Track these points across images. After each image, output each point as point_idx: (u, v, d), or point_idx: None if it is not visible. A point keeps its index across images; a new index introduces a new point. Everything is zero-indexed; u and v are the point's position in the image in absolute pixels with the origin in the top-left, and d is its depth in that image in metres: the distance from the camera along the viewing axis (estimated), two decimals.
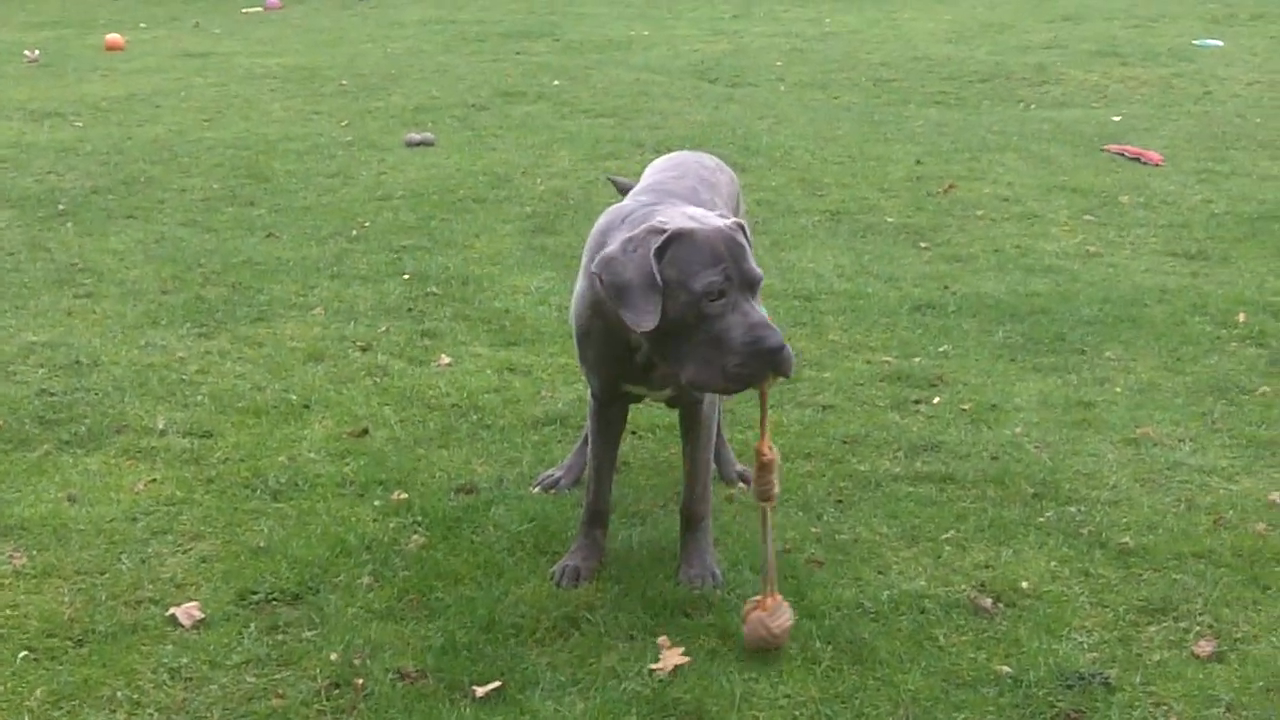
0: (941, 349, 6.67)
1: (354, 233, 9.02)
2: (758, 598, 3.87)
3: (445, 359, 6.36)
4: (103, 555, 4.39)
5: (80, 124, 12.67)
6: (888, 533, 4.66)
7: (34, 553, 4.39)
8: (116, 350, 6.39)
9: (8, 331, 6.67)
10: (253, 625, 4.00)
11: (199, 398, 5.79)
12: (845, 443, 5.44)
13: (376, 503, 4.78)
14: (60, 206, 9.67)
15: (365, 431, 5.42)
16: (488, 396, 5.87)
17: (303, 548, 4.41)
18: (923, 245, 8.87)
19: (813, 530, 4.64)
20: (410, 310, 7.18)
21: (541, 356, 6.45)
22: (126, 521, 4.62)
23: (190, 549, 4.45)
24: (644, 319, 3.59)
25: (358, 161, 11.36)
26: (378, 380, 6.06)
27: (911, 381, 6.18)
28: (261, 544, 4.44)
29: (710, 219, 3.77)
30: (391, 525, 4.61)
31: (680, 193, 4.29)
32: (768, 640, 3.80)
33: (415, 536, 4.51)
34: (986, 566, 4.44)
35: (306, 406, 5.70)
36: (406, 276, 7.84)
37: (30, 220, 9.27)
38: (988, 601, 4.17)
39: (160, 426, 5.42)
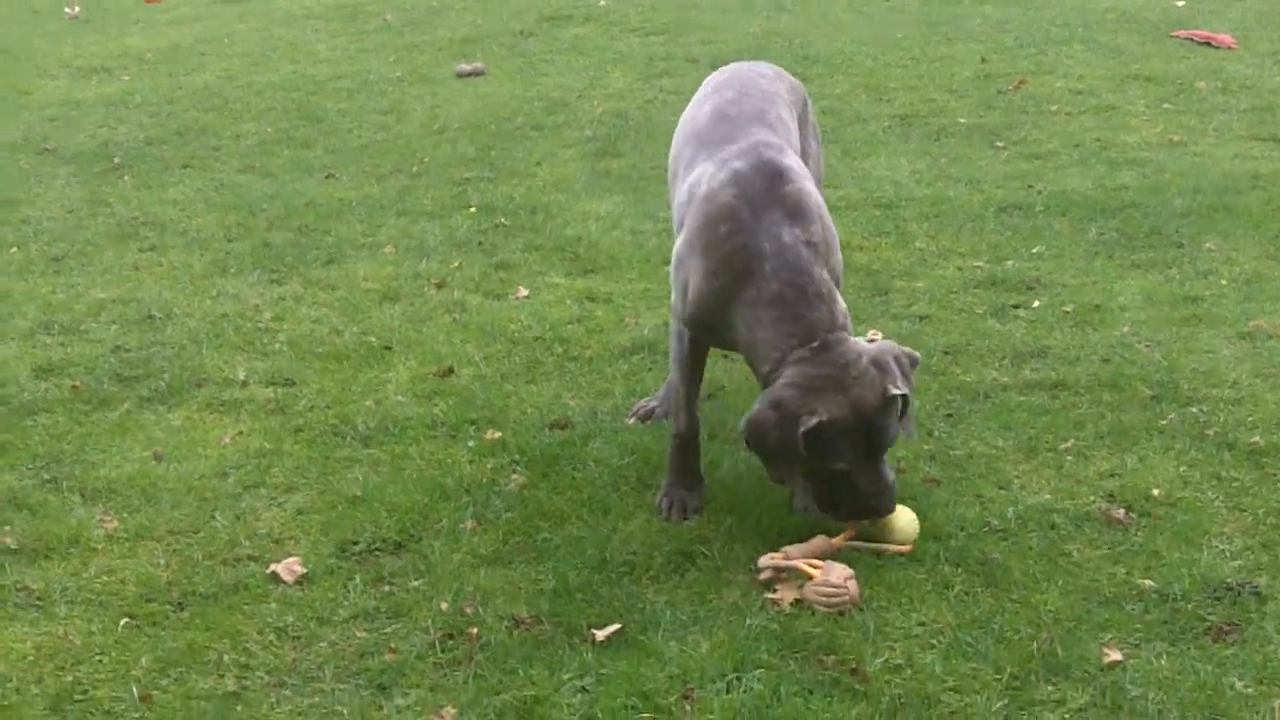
0: (1034, 250, 6.42)
1: (414, 169, 8.84)
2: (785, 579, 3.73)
3: (523, 291, 6.18)
4: (195, 513, 4.27)
5: (127, 77, 12.51)
6: (1004, 445, 4.46)
7: (125, 515, 4.26)
8: (189, 302, 6.25)
9: (76, 290, 6.54)
10: (357, 577, 3.86)
11: (277, 345, 5.64)
12: (947, 353, 5.23)
13: (470, 443, 4.62)
14: (116, 160, 9.53)
15: (450, 370, 5.26)
16: (570, 327, 5.69)
17: (400, 494, 4.27)
18: (999, 145, 8.59)
19: (925, 447, 4.45)
20: (481, 244, 7.00)
21: (620, 283, 6.26)
22: (216, 477, 4.49)
23: (285, 502, 4.32)
24: (785, 478, 3.80)
25: (410, 96, 11.16)
26: (456, 317, 5.89)
27: (1007, 286, 5.95)
28: (358, 493, 4.30)
29: (858, 383, 3.71)
30: (489, 466, 4.45)
31: (747, 116, 4.15)
32: (838, 597, 3.59)
33: (514, 476, 4.35)
34: (1112, 475, 4.23)
35: (388, 348, 5.54)
36: (473, 209, 7.65)
37: (87, 176, 9.14)
38: (1120, 512, 3.97)
39: (241, 377, 5.28)
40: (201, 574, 3.93)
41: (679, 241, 4.05)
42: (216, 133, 10.45)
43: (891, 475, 3.77)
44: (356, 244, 7.10)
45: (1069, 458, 4.35)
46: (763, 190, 3.85)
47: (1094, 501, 4.07)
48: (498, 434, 4.68)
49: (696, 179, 4.07)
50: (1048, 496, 4.11)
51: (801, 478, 3.75)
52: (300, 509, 4.26)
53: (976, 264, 6.28)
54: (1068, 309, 5.62)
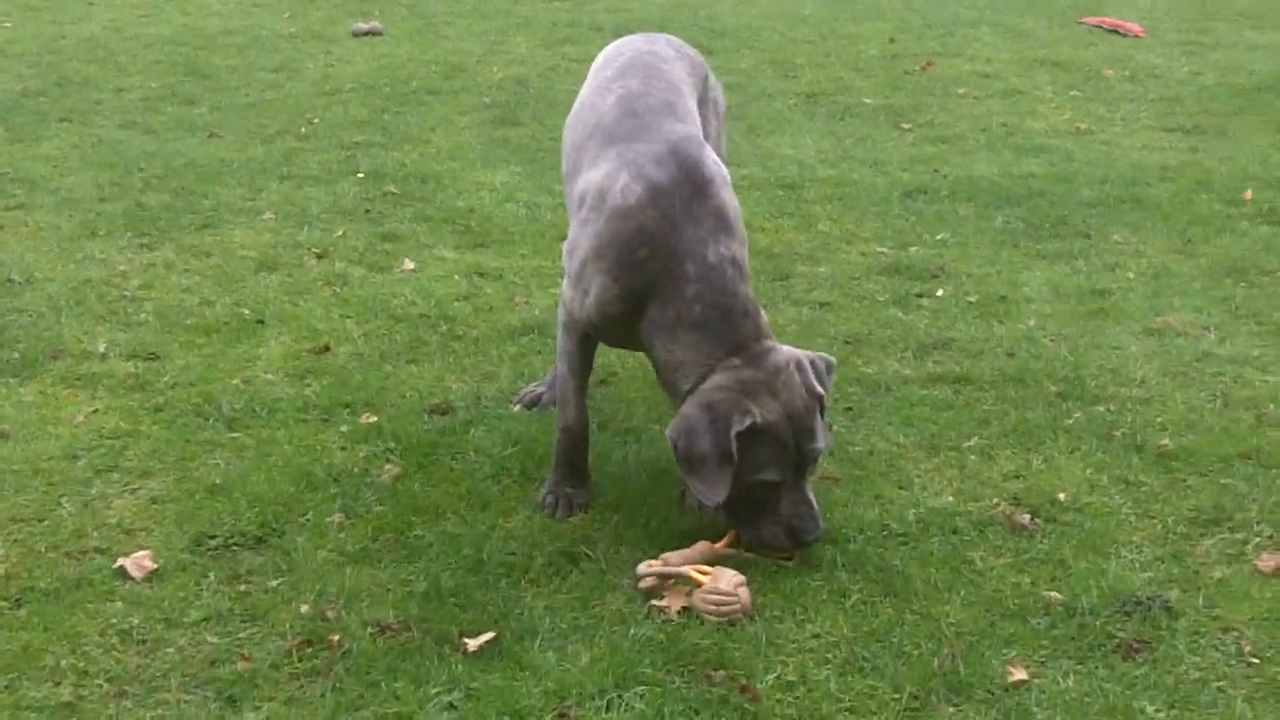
0: (939, 237, 6.25)
1: (302, 130, 8.48)
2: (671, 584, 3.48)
3: (409, 264, 5.89)
4: (41, 499, 3.94)
5: (9, 24, 11.99)
6: (905, 442, 4.26)
7: None
8: (52, 265, 5.88)
9: None
10: (212, 574, 3.57)
11: (143, 315, 5.30)
12: (848, 343, 5.02)
13: (343, 428, 4.34)
14: None
15: (326, 348, 4.96)
16: (457, 305, 5.41)
17: (263, 483, 3.97)
18: (905, 126, 8.42)
19: None
20: (368, 212, 6.69)
21: (512, 259, 5.99)
22: (66, 459, 4.16)
23: (138, 488, 4.00)
24: (714, 494, 3.48)
25: (303, 54, 10.77)
26: (337, 290, 5.59)
27: (911, 273, 5.76)
28: (217, 481, 4.00)
29: (787, 387, 3.52)
30: (361, 454, 4.17)
31: (656, 110, 3.90)
32: (728, 605, 3.35)
33: (388, 466, 4.07)
34: (1017, 476, 4.05)
35: (261, 322, 5.22)
36: (361, 175, 7.33)
37: None
38: (1025, 518, 3.78)
39: (101, 349, 4.94)
40: (43, 567, 3.61)
41: (580, 236, 3.76)
42: (98, 86, 10.00)
43: (816, 502, 3.57)
44: (235, 209, 6.75)
45: (972, 457, 4.16)
46: (685, 205, 3.60)
47: (998, 505, 3.88)
48: (373, 418, 4.40)
49: (605, 180, 3.73)
50: (950, 498, 3.92)
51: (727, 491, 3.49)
52: (155, 497, 3.94)
53: (880, 249, 6.08)
54: (972, 299, 5.44)
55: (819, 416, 3.54)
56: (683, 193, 3.60)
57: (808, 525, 3.51)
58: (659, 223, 3.58)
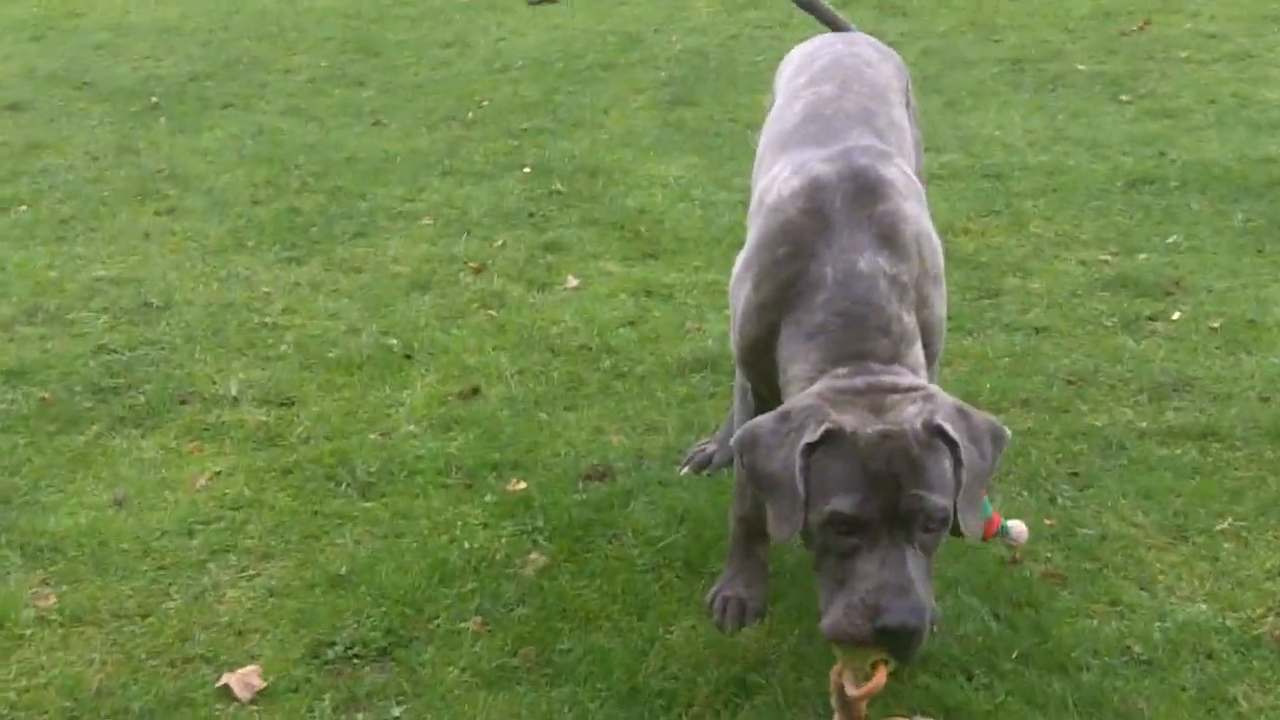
0: (1170, 240, 5.48)
1: (469, 115, 8.02)
2: None
3: (572, 281, 5.36)
4: (148, 589, 3.51)
5: None
6: (1145, 523, 3.58)
7: (66, 586, 3.51)
8: (193, 285, 5.49)
9: (76, 264, 5.81)
10: (327, 698, 3.08)
11: (283, 348, 4.86)
12: (1070, 383, 4.33)
13: (488, 498, 3.82)
14: (154, 99, 8.82)
15: (476, 391, 4.45)
16: (622, 332, 4.85)
17: (393, 573, 3.47)
18: (1123, 98, 7.59)
19: (1046, 522, 3.58)
20: (531, 215, 6.17)
21: (685, 272, 5.41)
22: (181, 535, 3.73)
23: (255, 576, 3.55)
24: (780, 527, 2.70)
25: (475, 27, 10.34)
26: (493, 314, 5.08)
27: (1141, 289, 5.02)
28: (343, 569, 3.51)
29: (897, 409, 2.68)
30: (505, 533, 3.64)
31: (848, 116, 3.25)
32: None
33: (533, 555, 3.54)
34: None
35: (408, 357, 4.74)
36: (527, 170, 6.82)
37: (122, 117, 8.43)
38: None
39: (234, 393, 4.51)
40: (141, 680, 3.17)
41: (737, 260, 3.20)
42: (266, 66, 9.71)
43: (923, 585, 2.61)
44: (392, 212, 6.30)
45: (1226, 545, 3.47)
46: (846, 204, 2.95)
47: (1263, 616, 3.19)
48: (522, 484, 3.87)
49: (768, 183, 3.19)
50: (1203, 605, 3.24)
51: (802, 524, 2.68)
52: (272, 588, 3.48)
53: (1103, 257, 5.34)
54: (1214, 324, 4.68)
55: (940, 464, 2.64)
56: (846, 189, 2.96)
57: (888, 603, 2.54)
58: (808, 217, 2.95)
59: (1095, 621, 3.18)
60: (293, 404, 4.43)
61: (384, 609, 3.34)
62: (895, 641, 2.57)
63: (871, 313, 2.85)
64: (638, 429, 4.18)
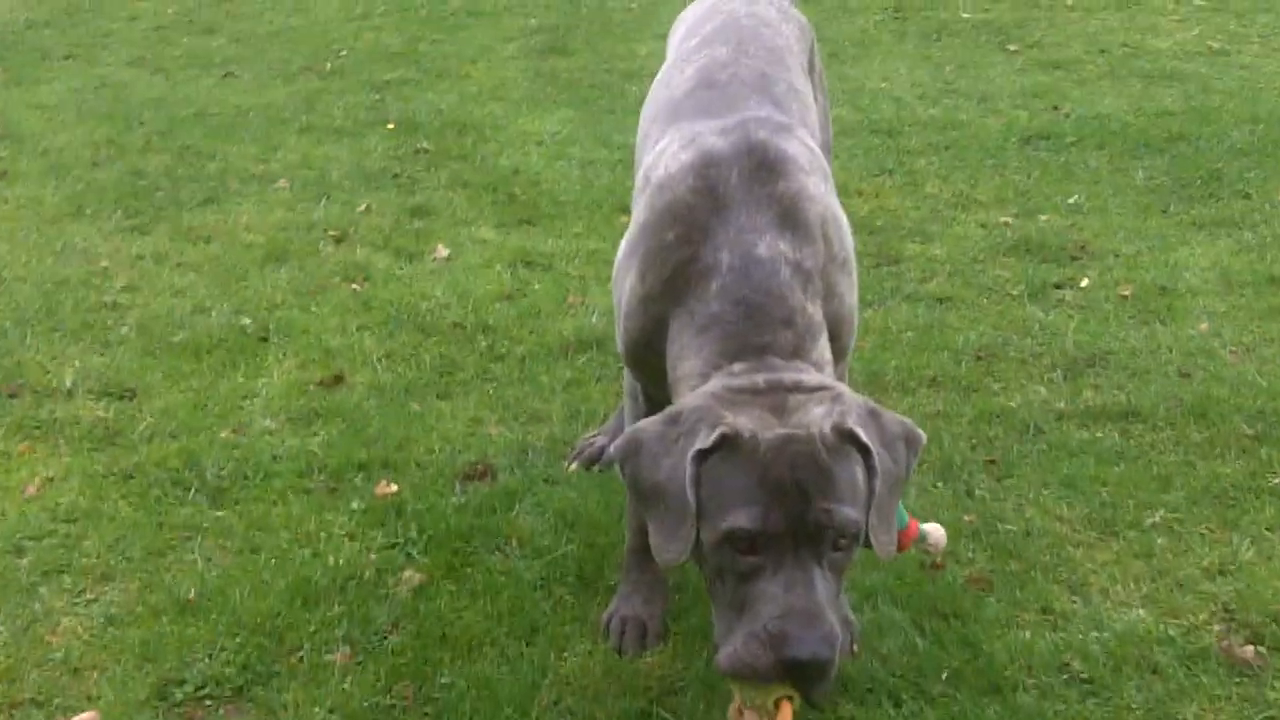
0: (1071, 200, 5.25)
1: (328, 65, 7.56)
2: None
3: (442, 250, 4.97)
4: None
5: None
6: (1070, 516, 3.32)
7: None
8: (26, 260, 5.01)
9: None
10: None
11: (123, 330, 4.42)
12: (980, 358, 4.07)
13: (355, 504, 3.44)
14: None
15: (340, 379, 4.06)
16: (499, 308, 4.49)
17: (249, 597, 3.09)
18: (1011, 48, 7.37)
19: (965, 518, 3.31)
20: (396, 176, 5.76)
21: (565, 240, 5.05)
22: (8, 553, 3.30)
23: (94, 600, 3.14)
24: (667, 546, 2.34)
25: None
26: (357, 289, 4.68)
27: (1045, 253, 4.77)
28: (191, 594, 3.12)
29: (802, 410, 2.35)
30: (375, 546, 3.28)
31: (743, 84, 2.90)
32: None
33: (408, 571, 3.17)
34: (1222, 573, 3.12)
35: (264, 339, 4.33)
36: (391, 126, 6.41)
37: None
38: (1247, 649, 2.84)
39: (68, 384, 4.07)
40: None
41: (621, 245, 2.85)
42: (109, 13, 9.14)
43: (834, 610, 2.29)
44: (245, 175, 5.84)
45: (1160, 540, 3.22)
46: (743, 182, 2.61)
47: (1207, 623, 2.94)
48: (392, 487, 3.50)
49: (655, 158, 2.83)
50: (1142, 612, 2.98)
51: (707, 569, 2.35)
52: (112, 616, 3.07)
53: (1004, 219, 5.09)
54: (1125, 292, 4.45)
55: (848, 471, 2.30)
56: (742, 165, 2.61)
57: (796, 632, 2.20)
58: (700, 196, 2.60)
59: (1028, 633, 2.91)
60: (134, 396, 4.00)
61: (239, 639, 2.96)
62: (804, 675, 2.24)
63: (772, 302, 2.51)
64: (520, 419, 3.83)
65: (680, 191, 2.63)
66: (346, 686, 2.82)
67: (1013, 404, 3.81)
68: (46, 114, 6.90)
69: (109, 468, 3.64)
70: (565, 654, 2.90)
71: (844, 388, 2.46)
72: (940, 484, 3.46)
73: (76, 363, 4.19)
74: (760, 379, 2.42)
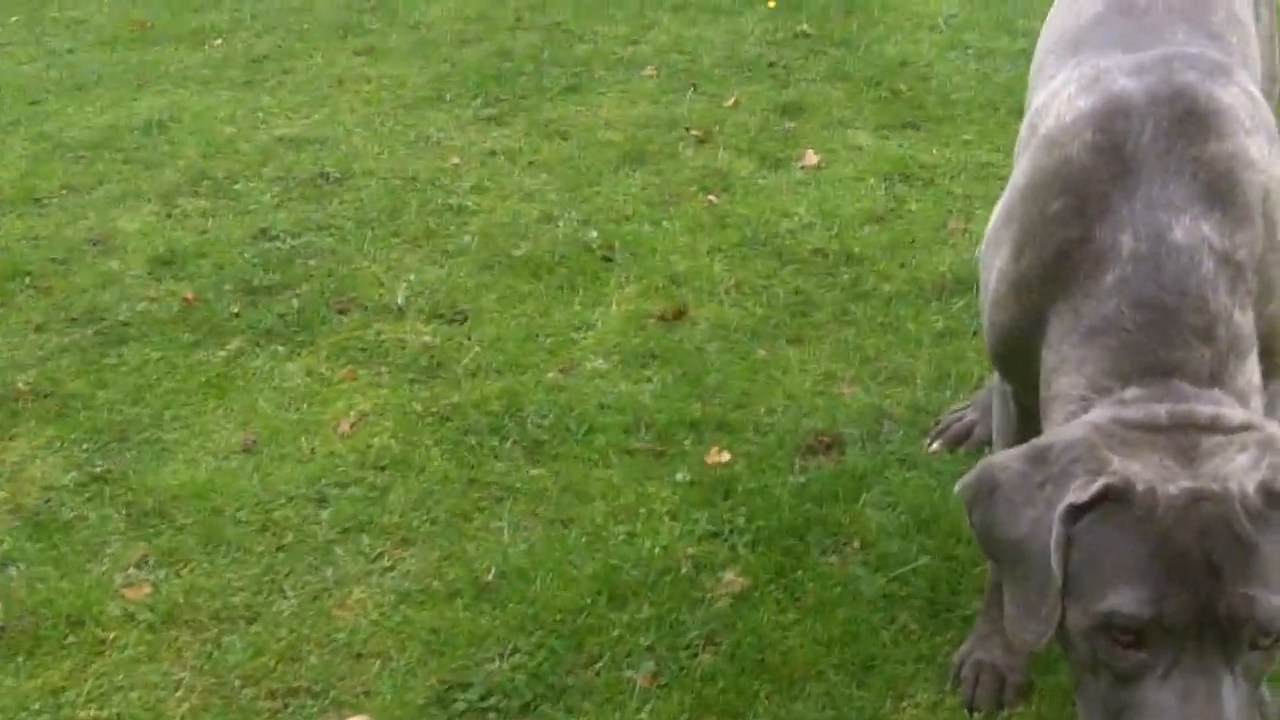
0: None
1: None
2: None
3: (812, 156, 4.46)
4: (260, 580, 2.86)
5: None
6: None
7: (164, 571, 2.88)
8: (378, 150, 4.80)
9: (255, 119, 5.16)
10: None
11: (465, 238, 4.14)
12: None
13: (681, 474, 3.04)
14: None
15: (683, 313, 3.66)
16: (868, 233, 3.97)
17: (554, 584, 2.75)
18: None
19: None
20: (771, 65, 5.26)
21: (951, 148, 4.47)
22: (311, 502, 3.07)
23: (390, 569, 2.86)
24: (1025, 626, 1.82)
25: None
26: (714, 200, 4.25)
27: None
28: (491, 574, 2.79)
29: (1212, 459, 1.76)
30: (697, 532, 2.87)
31: (1172, 9, 2.29)
32: None
33: (729, 572, 2.75)
34: None
35: (608, 259, 3.96)
36: (772, 4, 5.90)
37: None
38: None
39: (400, 301, 3.81)
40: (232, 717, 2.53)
41: (995, 211, 2.28)
42: None
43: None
44: (611, 59, 5.46)
45: None
46: (1160, 140, 1.99)
47: None
48: (725, 455, 3.08)
49: (1046, 100, 2.23)
50: None
51: (1056, 623, 1.80)
52: (405, 592, 2.78)
53: None
54: None
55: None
56: (1160, 117, 1.99)
57: None
58: (1100, 156, 2.00)
59: None
60: (465, 319, 3.71)
61: (535, 638, 2.62)
62: None
63: (1187, 305, 1.91)
64: (878, 377, 3.33)
65: (1074, 149, 2.04)
66: (645, 716, 2.44)
67: None
68: None
69: (428, 406, 3.35)
70: (904, 702, 2.43)
71: (1277, 429, 1.85)
72: None
73: (412, 276, 3.93)
74: (1163, 411, 1.83)
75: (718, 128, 4.74)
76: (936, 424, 3.11)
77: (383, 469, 3.15)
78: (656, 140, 4.68)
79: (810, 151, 4.49)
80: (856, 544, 2.78)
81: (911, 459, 3.02)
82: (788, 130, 4.68)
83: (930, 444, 3.07)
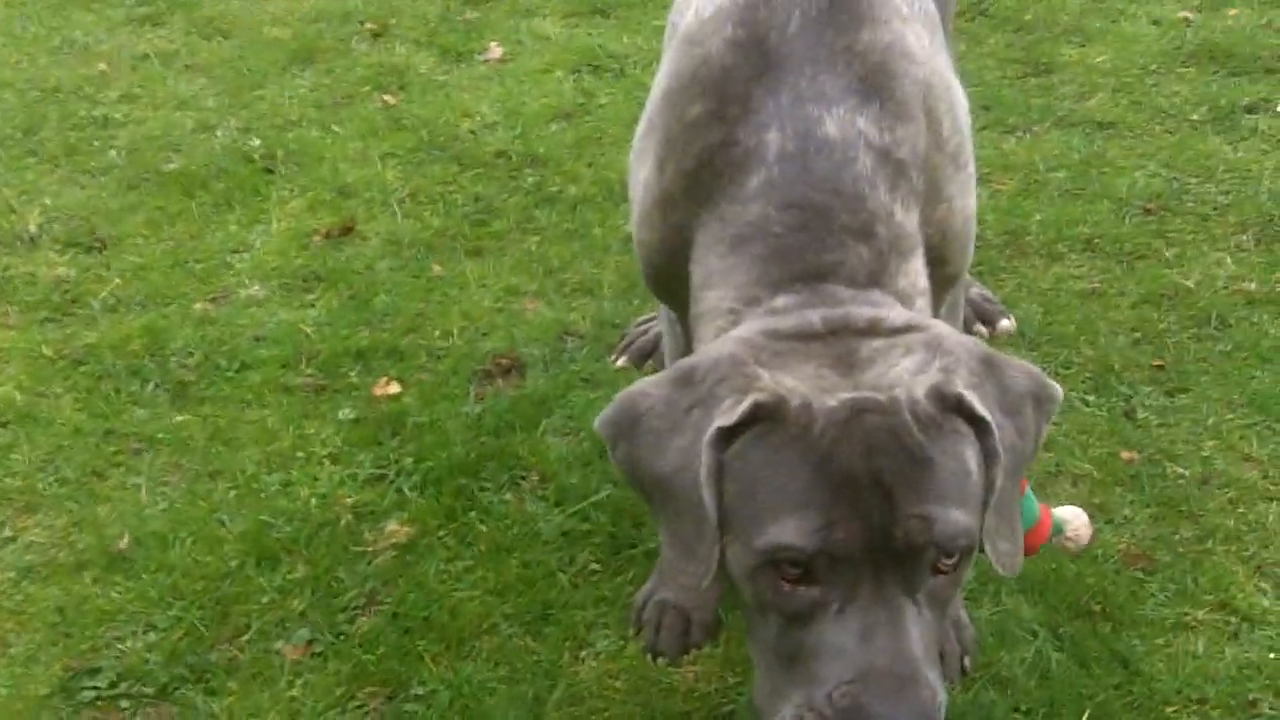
0: None
1: None
2: None
3: (495, 49, 4.17)
4: None
5: None
6: (1261, 455, 2.53)
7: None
8: (17, 61, 4.34)
9: None
10: None
11: (110, 155, 3.74)
12: (1148, 211, 3.23)
13: (344, 411, 2.76)
14: None
15: (350, 229, 3.34)
16: (555, 131, 3.71)
17: (196, 548, 2.44)
18: None
19: (1124, 456, 2.54)
20: None
21: (641, 36, 4.23)
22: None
23: (12, 540, 2.51)
24: (682, 569, 1.60)
25: None
26: (389, 100, 3.93)
27: (1236, 64, 3.83)
28: (125, 540, 2.47)
29: (875, 365, 1.58)
30: (360, 476, 2.59)
31: None
32: None
33: (393, 522, 2.48)
34: None
35: (269, 170, 3.61)
36: None
37: None
38: None
39: (33, 230, 3.39)
40: None
41: (640, 122, 2.04)
42: None
43: (933, 665, 1.54)
44: None
45: None
46: (807, 28, 1.78)
47: None
48: (394, 386, 2.81)
49: None
50: None
51: (716, 562, 1.58)
52: (30, 567, 2.44)
53: (1182, 13, 4.13)
54: None
55: (966, 454, 1.54)
56: (806, 7, 1.79)
57: (877, 707, 1.47)
58: (739, 52, 1.79)
59: (1200, 643, 2.16)
60: (105, 247, 3.32)
61: (173, 612, 2.33)
62: None
63: (841, 204, 1.71)
64: (563, 290, 3.09)
65: (713, 46, 1.81)
66: (296, 693, 2.17)
67: (1189, 282, 2.98)
68: None
69: (59, 349, 2.98)
70: (582, 653, 2.22)
71: (944, 327, 1.66)
72: (1092, 398, 2.68)
73: (47, 200, 3.52)
74: (817, 318, 1.63)
75: (395, 20, 4.39)
76: (623, 338, 2.90)
77: (5, 425, 2.78)
78: (328, 35, 4.32)
79: (495, 43, 4.19)
80: (535, 478, 2.55)
81: (596, 378, 2.80)
82: (470, 20, 4.37)
83: (615, 360, 2.85)
